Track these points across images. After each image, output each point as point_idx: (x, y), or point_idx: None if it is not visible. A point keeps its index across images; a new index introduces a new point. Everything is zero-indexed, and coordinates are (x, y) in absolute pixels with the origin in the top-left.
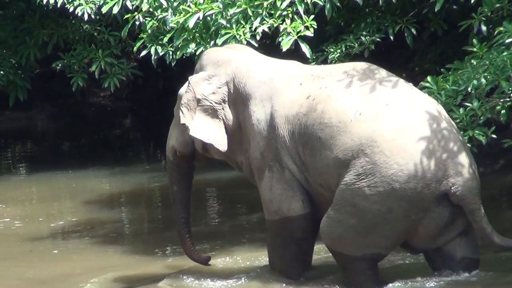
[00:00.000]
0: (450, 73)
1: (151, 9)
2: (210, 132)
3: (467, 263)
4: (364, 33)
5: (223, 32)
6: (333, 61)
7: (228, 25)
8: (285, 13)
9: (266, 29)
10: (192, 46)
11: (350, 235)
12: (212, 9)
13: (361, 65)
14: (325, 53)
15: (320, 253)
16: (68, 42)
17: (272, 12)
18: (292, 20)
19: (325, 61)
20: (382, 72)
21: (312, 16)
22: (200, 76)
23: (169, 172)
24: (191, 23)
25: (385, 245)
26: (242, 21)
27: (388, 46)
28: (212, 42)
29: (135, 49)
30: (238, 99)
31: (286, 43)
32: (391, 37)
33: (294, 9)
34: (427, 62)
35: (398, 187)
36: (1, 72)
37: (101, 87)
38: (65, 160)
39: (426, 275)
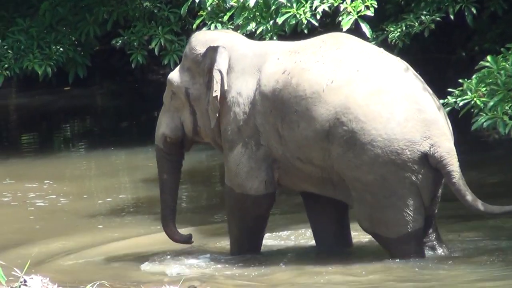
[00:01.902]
0: (510, 52)
1: None
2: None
3: (431, 222)
4: (424, 12)
5: (283, 11)
6: (394, 40)
7: (289, 4)
8: None
9: (326, 8)
10: (253, 25)
11: (373, 211)
12: None
13: (334, 35)
14: (385, 32)
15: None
16: (128, 19)
17: None
18: None
19: (385, 41)
20: (354, 40)
21: None
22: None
23: (159, 160)
24: (251, 2)
25: (408, 218)
26: (302, 0)
27: (448, 26)
28: (272, 21)
29: (194, 26)
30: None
31: (346, 23)
32: (451, 16)
33: None
34: (487, 41)
35: (379, 152)
36: (61, 49)
37: (161, 64)
38: (124, 137)
39: None
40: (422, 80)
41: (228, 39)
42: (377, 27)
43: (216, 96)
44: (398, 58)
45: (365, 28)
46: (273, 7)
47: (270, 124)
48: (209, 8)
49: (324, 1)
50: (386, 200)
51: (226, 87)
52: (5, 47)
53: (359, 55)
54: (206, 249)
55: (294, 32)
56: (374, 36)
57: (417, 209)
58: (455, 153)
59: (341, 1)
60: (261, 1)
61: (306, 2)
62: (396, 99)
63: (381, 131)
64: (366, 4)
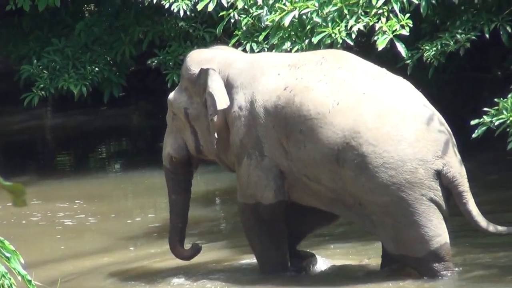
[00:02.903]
0: None
1: (246, 7)
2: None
3: None
4: (459, 31)
5: (318, 30)
6: (429, 59)
7: (324, 24)
8: (380, 11)
9: (362, 28)
10: (288, 44)
11: (396, 233)
12: (308, 7)
13: (334, 52)
14: (420, 51)
15: None
16: (163, 39)
17: (368, 10)
18: (388, 18)
19: (420, 59)
20: (355, 59)
21: (407, 15)
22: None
23: (167, 181)
24: (286, 21)
25: (432, 233)
26: (337, 20)
27: (483, 44)
28: (307, 41)
29: (230, 45)
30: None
31: (381, 42)
32: (487, 35)
33: (390, 7)
34: None
35: (394, 174)
36: (96, 69)
37: None
38: (159, 157)
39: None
40: (425, 99)
41: (223, 57)
42: (412, 46)
43: (212, 119)
44: (401, 78)
45: (401, 47)
46: (309, 27)
47: (273, 139)
48: (244, 28)
49: (359, 20)
50: (406, 219)
51: (222, 106)
52: (40, 67)
53: (363, 76)
54: (240, 267)
55: None
56: (409, 55)
57: (440, 224)
58: (465, 173)
59: (377, 21)
60: (296, 20)
61: (341, 22)
62: (405, 119)
63: (393, 153)
64: (401, 23)
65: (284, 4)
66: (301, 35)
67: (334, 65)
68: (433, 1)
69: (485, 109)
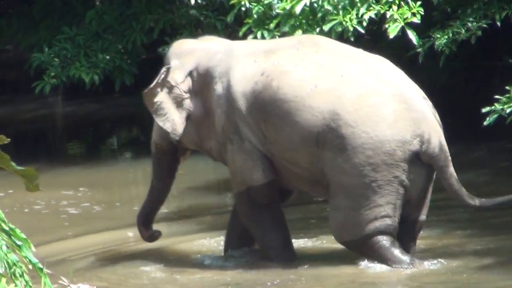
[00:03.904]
0: None
1: None
2: (170, 120)
3: (414, 224)
4: (471, 19)
5: (329, 18)
6: (440, 47)
7: (335, 12)
8: None
9: (373, 16)
10: (299, 32)
11: (351, 217)
12: None
13: (310, 37)
14: (431, 39)
15: None
16: (175, 27)
17: None
18: (399, 6)
19: (431, 47)
20: (332, 42)
21: (419, 2)
22: (164, 69)
23: (152, 164)
24: (298, 9)
25: (386, 213)
26: (348, 8)
27: (495, 32)
28: (318, 29)
29: (241, 33)
30: (204, 85)
31: (393, 30)
32: (498, 23)
33: None
34: None
35: (371, 154)
36: (108, 57)
37: None
38: None
39: None
40: (406, 76)
41: (204, 49)
42: (423, 34)
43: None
44: (379, 57)
45: (412, 35)
46: (320, 15)
47: (251, 124)
48: (255, 16)
49: (370, 8)
50: (366, 201)
51: (189, 108)
52: (52, 55)
53: (341, 58)
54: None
55: (340, 39)
56: (421, 43)
57: (398, 208)
58: (447, 148)
59: (388, 9)
60: (308, 8)
61: (353, 10)
62: (383, 100)
63: (372, 133)
64: (412, 11)
65: None
66: (312, 23)
67: (311, 49)
68: None
69: (496, 96)
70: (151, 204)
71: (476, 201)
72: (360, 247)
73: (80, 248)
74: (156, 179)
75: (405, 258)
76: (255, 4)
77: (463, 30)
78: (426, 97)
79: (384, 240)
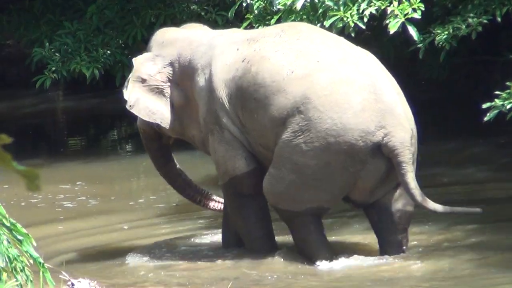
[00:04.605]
0: None
1: None
2: (155, 111)
3: (399, 216)
4: (471, 14)
5: (330, 14)
6: (441, 43)
7: (336, 7)
8: None
9: (374, 11)
10: None
11: (291, 191)
12: None
13: (294, 25)
14: (432, 34)
15: None
16: (176, 22)
17: None
18: (400, 2)
19: (432, 43)
20: (315, 30)
21: None
22: (144, 56)
23: (151, 159)
24: (298, 5)
25: (326, 198)
26: (349, 3)
27: (495, 28)
28: (319, 24)
29: (241, 29)
30: (185, 76)
31: (393, 26)
32: (499, 19)
33: None
34: None
35: (333, 141)
36: (108, 52)
37: None
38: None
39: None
40: (384, 68)
41: (187, 39)
42: (424, 30)
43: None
44: (360, 48)
45: (412, 31)
46: (321, 10)
47: (230, 112)
48: (256, 11)
49: (371, 4)
50: (314, 182)
51: (171, 97)
52: (52, 50)
53: (320, 46)
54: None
55: (341, 35)
56: (421, 39)
57: (340, 194)
58: (409, 144)
59: (388, 4)
60: (308, 4)
61: (353, 5)
62: (354, 89)
63: (337, 120)
64: (413, 6)
65: None
66: (313, 18)
67: (292, 37)
68: None
69: (496, 92)
70: (184, 181)
71: (429, 204)
72: (291, 220)
73: (73, 241)
74: (158, 169)
75: (325, 252)
76: None
77: (464, 26)
78: (401, 92)
79: (314, 225)
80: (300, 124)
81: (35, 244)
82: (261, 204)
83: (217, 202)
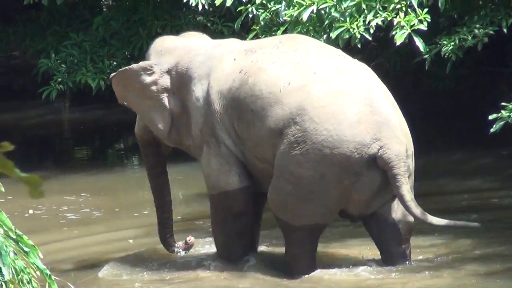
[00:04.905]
0: None
1: (264, 1)
2: (159, 120)
3: (400, 226)
4: (477, 25)
5: (337, 25)
6: (447, 54)
7: (342, 19)
8: (398, 6)
9: (380, 23)
10: None
11: (289, 201)
12: (326, 2)
13: (292, 37)
14: (438, 45)
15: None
16: (181, 33)
17: (386, 5)
18: (406, 13)
19: (438, 54)
20: (312, 42)
21: (425, 10)
22: (141, 65)
23: (142, 155)
24: (304, 16)
25: (322, 213)
26: (355, 15)
27: (501, 39)
28: (325, 36)
29: (248, 40)
30: (182, 84)
31: (399, 37)
32: (505, 30)
33: (408, 2)
34: None
35: (328, 153)
36: (114, 63)
37: None
38: (177, 151)
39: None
40: (380, 81)
41: (186, 47)
42: (430, 41)
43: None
44: (356, 60)
45: (419, 42)
46: (327, 22)
47: (226, 123)
48: (262, 23)
49: (377, 15)
50: (310, 194)
51: (168, 106)
52: (58, 61)
53: (317, 57)
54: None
55: (347, 46)
56: (427, 50)
57: (335, 208)
58: (404, 157)
59: (395, 16)
60: (315, 15)
61: (360, 17)
62: (350, 101)
63: (333, 132)
64: (419, 18)
65: None
66: (319, 30)
67: (290, 48)
68: None
69: (503, 103)
70: (162, 213)
71: (425, 216)
72: (288, 233)
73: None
74: (149, 176)
75: (310, 272)
76: (262, 10)
77: (470, 37)
78: (397, 105)
79: (309, 244)
80: (296, 135)
81: (41, 255)
82: (245, 222)
83: (176, 247)
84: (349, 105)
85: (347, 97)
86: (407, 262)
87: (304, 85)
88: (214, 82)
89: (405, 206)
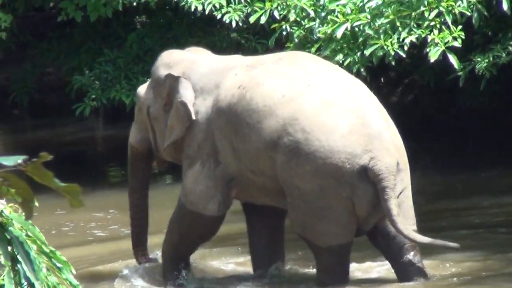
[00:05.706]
0: None
1: (298, 19)
2: (176, 133)
3: (402, 238)
4: (511, 42)
5: (371, 42)
6: (481, 71)
7: (376, 36)
8: (433, 23)
9: (414, 40)
10: (340, 56)
11: (305, 219)
12: (360, 19)
13: (293, 53)
14: (472, 63)
15: None
16: (216, 50)
17: (420, 22)
18: (440, 30)
19: (472, 71)
20: (311, 58)
21: (460, 27)
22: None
23: (128, 166)
24: (339, 34)
25: (338, 231)
26: (389, 32)
27: None
28: (359, 53)
29: None
30: None
31: (434, 54)
32: None
33: (442, 20)
34: None
35: (321, 163)
36: (148, 80)
37: None
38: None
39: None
40: (374, 96)
41: (191, 60)
42: (464, 58)
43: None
44: (353, 76)
45: (453, 59)
46: (361, 39)
47: (225, 139)
48: (296, 40)
49: (411, 32)
50: (320, 211)
51: (193, 117)
52: (92, 78)
53: (313, 71)
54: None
55: (381, 63)
56: (461, 67)
57: (348, 224)
58: (394, 170)
59: (429, 33)
60: (349, 32)
61: (394, 34)
62: (342, 112)
63: (324, 142)
64: (453, 35)
65: (337, 16)
66: (353, 47)
67: (288, 64)
68: (485, 13)
69: None
70: (136, 227)
71: (410, 234)
72: (317, 256)
73: (108, 268)
74: (131, 189)
75: None
76: (296, 28)
77: (504, 54)
78: (390, 120)
79: (339, 265)
80: (289, 146)
81: (74, 271)
82: (200, 242)
83: (145, 260)
84: (341, 116)
85: (339, 108)
86: (423, 271)
87: (297, 96)
88: (216, 99)
89: (391, 220)
